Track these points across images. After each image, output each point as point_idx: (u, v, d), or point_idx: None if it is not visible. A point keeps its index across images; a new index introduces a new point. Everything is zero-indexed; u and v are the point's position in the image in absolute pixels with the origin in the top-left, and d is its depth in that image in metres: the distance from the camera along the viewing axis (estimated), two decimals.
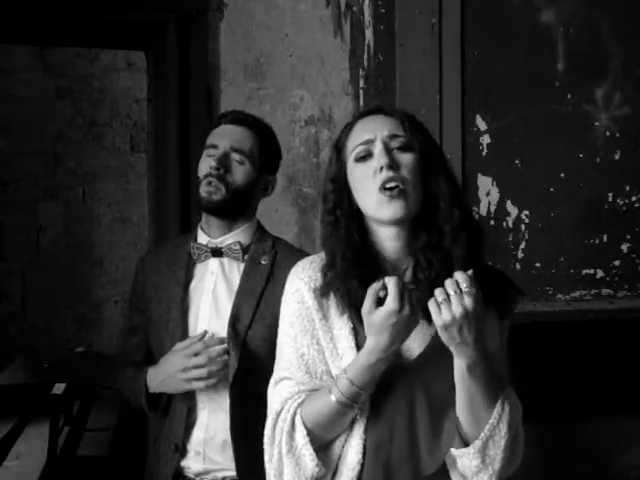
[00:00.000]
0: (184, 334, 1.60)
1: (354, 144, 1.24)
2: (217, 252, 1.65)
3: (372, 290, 1.17)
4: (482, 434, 1.17)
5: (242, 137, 1.67)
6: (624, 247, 2.37)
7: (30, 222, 5.26)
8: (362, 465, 1.22)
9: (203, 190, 1.64)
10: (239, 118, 1.70)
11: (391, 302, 1.15)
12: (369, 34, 2.41)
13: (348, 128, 1.28)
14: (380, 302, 1.17)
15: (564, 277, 2.34)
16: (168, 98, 2.66)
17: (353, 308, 1.24)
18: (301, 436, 1.20)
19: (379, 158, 1.19)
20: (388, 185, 1.18)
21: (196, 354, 1.53)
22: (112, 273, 5.33)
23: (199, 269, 1.66)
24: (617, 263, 2.36)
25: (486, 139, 2.30)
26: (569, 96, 2.33)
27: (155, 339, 1.66)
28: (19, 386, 3.84)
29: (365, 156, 1.22)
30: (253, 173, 1.68)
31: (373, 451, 1.22)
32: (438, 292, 1.13)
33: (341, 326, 1.25)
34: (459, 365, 1.17)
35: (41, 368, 3.97)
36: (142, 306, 1.71)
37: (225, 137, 1.66)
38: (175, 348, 1.57)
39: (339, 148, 1.28)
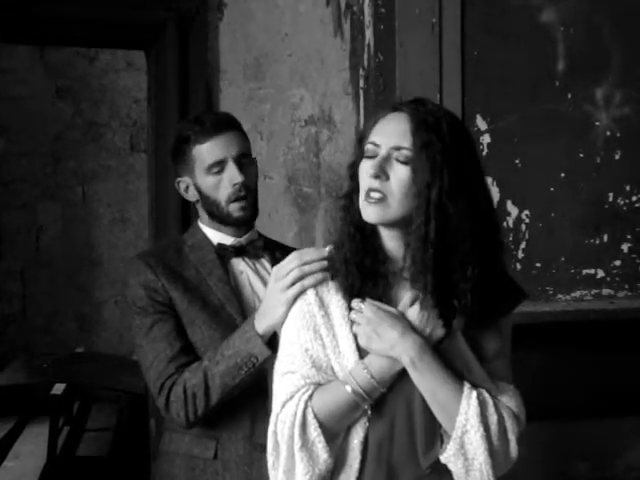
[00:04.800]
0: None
1: (367, 141, 1.27)
2: (240, 251, 1.64)
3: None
4: (454, 434, 1.19)
5: (239, 139, 1.62)
6: (624, 247, 2.37)
7: (30, 222, 5.27)
8: (360, 462, 1.23)
9: (234, 208, 1.60)
10: (225, 123, 1.62)
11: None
12: (369, 34, 2.40)
13: (374, 121, 1.29)
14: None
15: (564, 277, 2.34)
16: (168, 98, 2.66)
17: (348, 294, 1.27)
18: (313, 429, 1.21)
19: (371, 165, 1.23)
20: (370, 194, 1.23)
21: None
22: (112, 273, 5.33)
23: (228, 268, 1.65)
24: (618, 263, 2.36)
25: (486, 139, 2.30)
26: (569, 96, 2.33)
27: (205, 338, 1.56)
28: (19, 386, 3.85)
29: (371, 156, 1.25)
30: (256, 167, 1.68)
31: (375, 449, 1.23)
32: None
33: (342, 323, 1.27)
34: (405, 363, 1.21)
35: (41, 368, 3.97)
36: (170, 310, 1.57)
37: (227, 146, 1.59)
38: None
39: (362, 137, 1.30)
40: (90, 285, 5.36)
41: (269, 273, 1.62)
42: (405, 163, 1.22)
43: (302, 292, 1.31)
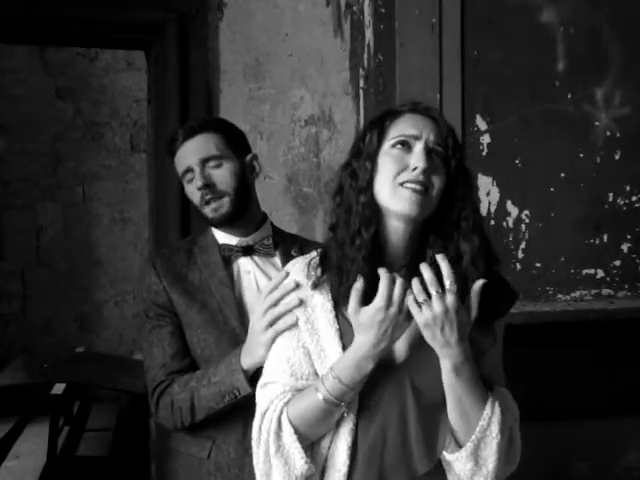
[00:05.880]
0: (245, 331, 1.54)
1: (397, 133, 1.24)
2: (248, 250, 1.65)
3: (355, 291, 1.19)
4: (473, 436, 1.18)
5: (203, 144, 1.62)
6: (624, 247, 2.37)
7: (30, 222, 5.26)
8: (349, 467, 1.22)
9: (208, 211, 1.63)
10: (190, 130, 1.63)
11: (379, 299, 1.16)
12: (369, 34, 2.41)
13: (394, 116, 1.27)
14: (366, 300, 1.18)
15: (564, 277, 2.34)
16: (168, 98, 2.65)
17: (342, 298, 1.23)
18: (288, 434, 1.20)
19: (418, 158, 1.21)
20: (415, 184, 1.20)
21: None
22: (112, 273, 5.32)
23: (232, 269, 1.65)
24: (617, 263, 2.37)
25: (486, 139, 2.31)
26: (569, 96, 2.34)
27: (201, 341, 1.59)
28: (19, 386, 3.84)
29: (405, 144, 1.23)
30: (235, 165, 1.65)
31: (367, 454, 1.22)
32: (417, 291, 1.15)
33: (327, 327, 1.25)
34: (445, 366, 1.18)
35: (41, 368, 3.97)
36: (170, 314, 1.61)
37: (189, 155, 1.62)
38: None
39: (382, 130, 1.27)
40: (90, 285, 5.35)
41: (279, 270, 1.61)
42: (443, 160, 1.23)
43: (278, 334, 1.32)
